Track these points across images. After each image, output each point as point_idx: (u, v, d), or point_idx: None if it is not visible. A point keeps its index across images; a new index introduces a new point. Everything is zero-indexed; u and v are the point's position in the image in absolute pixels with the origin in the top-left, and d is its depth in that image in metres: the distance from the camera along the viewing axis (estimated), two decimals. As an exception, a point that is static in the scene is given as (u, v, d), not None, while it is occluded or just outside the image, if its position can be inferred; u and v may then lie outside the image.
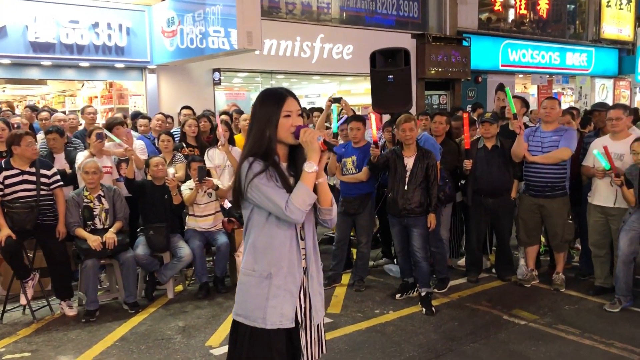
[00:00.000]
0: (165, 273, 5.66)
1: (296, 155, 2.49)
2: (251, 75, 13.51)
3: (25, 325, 5.10)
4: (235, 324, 2.49)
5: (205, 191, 5.89)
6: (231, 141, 6.50)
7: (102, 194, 5.49)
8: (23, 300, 5.21)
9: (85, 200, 5.41)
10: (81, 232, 5.31)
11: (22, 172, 5.12)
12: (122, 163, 6.28)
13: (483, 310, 5.21)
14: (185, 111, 7.73)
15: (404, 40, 14.63)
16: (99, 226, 5.42)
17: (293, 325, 2.44)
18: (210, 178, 5.83)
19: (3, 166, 5.10)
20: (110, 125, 6.41)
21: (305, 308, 2.52)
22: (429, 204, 5.26)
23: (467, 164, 5.64)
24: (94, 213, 5.42)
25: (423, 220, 5.26)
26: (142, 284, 5.79)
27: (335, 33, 13.42)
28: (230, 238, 6.00)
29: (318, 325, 2.58)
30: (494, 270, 6.25)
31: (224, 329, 4.81)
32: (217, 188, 5.88)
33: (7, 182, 5.05)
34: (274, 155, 2.42)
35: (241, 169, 2.38)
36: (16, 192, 5.06)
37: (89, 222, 5.39)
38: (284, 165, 2.48)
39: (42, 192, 5.17)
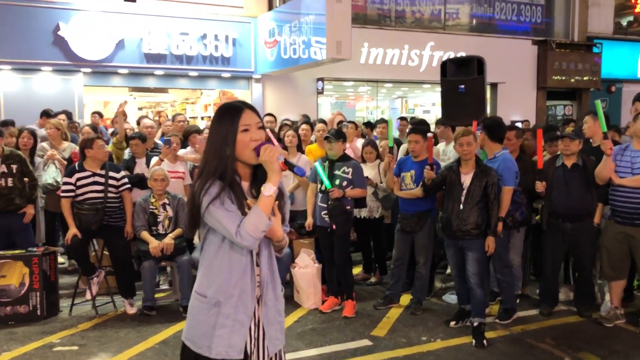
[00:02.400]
0: (222, 280, 5.73)
1: (260, 173, 2.35)
2: (358, 84, 13.48)
3: (87, 319, 5.45)
4: (183, 345, 2.41)
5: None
6: (299, 149, 6.52)
7: (168, 202, 5.71)
8: (88, 296, 5.58)
9: (151, 206, 5.66)
10: (145, 235, 5.56)
11: (93, 174, 5.48)
12: (196, 169, 6.50)
13: (543, 348, 4.64)
14: (267, 118, 7.84)
15: (523, 47, 13.80)
16: (162, 232, 5.64)
17: (242, 357, 2.30)
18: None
19: (77, 168, 5.51)
20: (187, 134, 6.69)
21: (257, 338, 2.38)
22: (487, 225, 4.82)
23: (539, 185, 5.10)
24: (158, 219, 5.65)
25: (479, 244, 4.82)
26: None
27: (445, 40, 12.98)
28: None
29: (277, 354, 2.43)
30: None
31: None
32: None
33: (79, 183, 5.44)
34: (233, 174, 2.29)
35: (197, 192, 2.23)
36: (86, 193, 5.42)
37: (152, 227, 5.64)
38: (245, 185, 2.34)
39: (109, 195, 5.50)
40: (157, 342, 4.85)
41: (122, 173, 5.71)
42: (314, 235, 5.89)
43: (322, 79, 11.90)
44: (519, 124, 10.81)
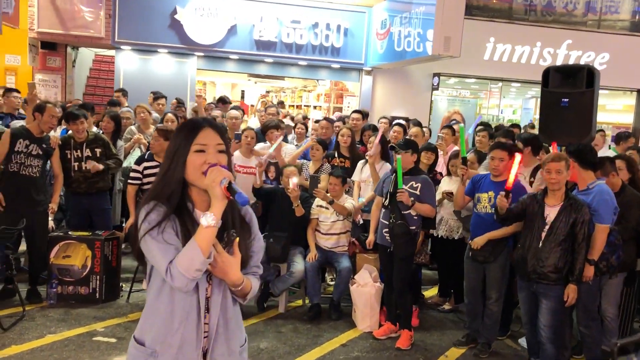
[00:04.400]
0: (278, 285, 5.46)
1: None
2: (481, 82, 12.48)
3: (140, 309, 5.41)
4: None
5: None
6: (384, 156, 5.99)
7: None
8: (144, 285, 5.55)
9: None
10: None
11: (160, 164, 5.42)
12: (270, 166, 6.25)
13: None
14: (354, 115, 7.34)
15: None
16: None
17: None
18: (320, 190, 5.43)
19: (145, 158, 5.49)
20: (265, 128, 6.44)
21: None
22: (570, 270, 4.01)
23: None
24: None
25: (558, 291, 4.02)
26: (257, 292, 5.69)
27: (587, 39, 11.52)
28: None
29: None
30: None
31: (294, 364, 4.39)
32: (331, 202, 5.42)
33: (145, 172, 5.42)
34: (183, 199, 1.96)
35: (137, 217, 1.95)
36: (151, 182, 5.38)
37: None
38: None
39: (173, 186, 5.41)
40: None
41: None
42: (379, 251, 5.39)
43: (438, 75, 11.12)
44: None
